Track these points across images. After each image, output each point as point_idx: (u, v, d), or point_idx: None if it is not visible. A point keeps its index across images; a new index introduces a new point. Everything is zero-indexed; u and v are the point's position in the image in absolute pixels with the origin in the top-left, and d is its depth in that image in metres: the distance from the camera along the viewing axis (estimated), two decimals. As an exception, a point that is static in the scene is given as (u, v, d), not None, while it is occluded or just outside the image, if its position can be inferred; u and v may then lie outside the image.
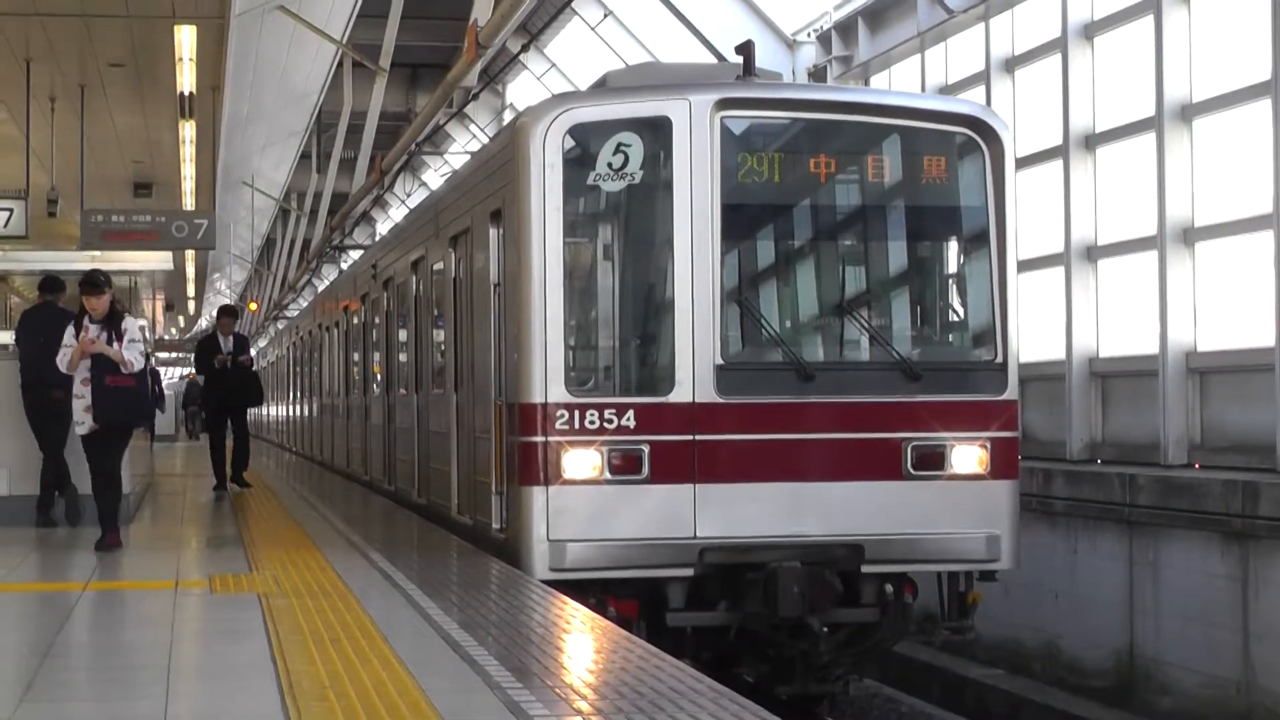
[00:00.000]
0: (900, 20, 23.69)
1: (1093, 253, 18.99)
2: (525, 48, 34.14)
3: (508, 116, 38.48)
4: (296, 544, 15.96)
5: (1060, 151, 19.28)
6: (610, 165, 13.64)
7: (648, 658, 9.55)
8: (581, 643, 10.38)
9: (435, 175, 46.13)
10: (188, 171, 31.47)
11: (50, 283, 19.06)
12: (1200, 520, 15.48)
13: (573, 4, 31.13)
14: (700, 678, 8.95)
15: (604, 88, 15.04)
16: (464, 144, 43.09)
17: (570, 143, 13.66)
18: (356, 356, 27.51)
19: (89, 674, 9.86)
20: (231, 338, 23.56)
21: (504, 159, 14.55)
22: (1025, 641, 18.33)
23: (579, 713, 7.95)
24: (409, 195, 49.70)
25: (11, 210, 26.42)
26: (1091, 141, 19.03)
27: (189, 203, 33.75)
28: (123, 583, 13.63)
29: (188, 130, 27.64)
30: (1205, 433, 17.02)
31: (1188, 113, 17.33)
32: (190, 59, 23.14)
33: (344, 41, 27.84)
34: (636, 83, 15.14)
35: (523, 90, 38.60)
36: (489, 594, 12.63)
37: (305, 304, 51.84)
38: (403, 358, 21.87)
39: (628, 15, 31.17)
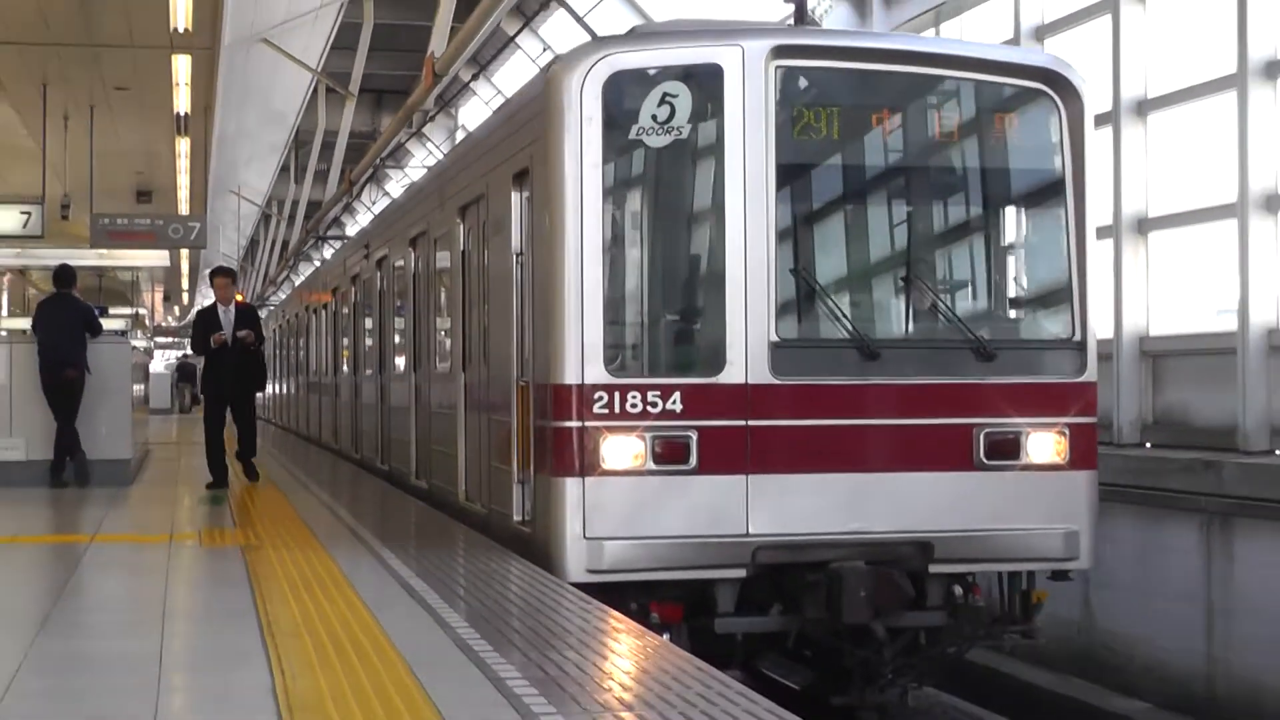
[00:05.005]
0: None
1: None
2: (475, 76, 34.09)
3: (459, 135, 38.35)
4: (282, 514, 15.87)
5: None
6: (654, 118, 10.66)
7: (588, 608, 9.41)
8: (547, 606, 10.08)
9: (397, 186, 45.99)
10: (183, 181, 31.39)
11: (64, 275, 18.93)
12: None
13: (516, 40, 31.08)
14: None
15: (644, 34, 11.67)
16: (421, 159, 43.00)
17: (610, 93, 10.63)
18: (346, 337, 24.58)
19: (95, 615, 9.80)
20: (233, 308, 17.60)
21: (532, 113, 11.39)
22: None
23: (516, 647, 7.92)
24: (374, 203, 49.54)
25: (30, 213, 26.32)
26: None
27: (184, 208, 33.67)
28: (124, 535, 13.52)
29: (183, 145, 27.60)
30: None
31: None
32: (185, 84, 23.09)
33: (319, 70, 27.77)
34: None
35: (473, 113, 38.49)
36: (455, 552, 12.43)
37: (285, 295, 51.54)
38: (398, 337, 18.66)
39: (565, 48, 31.08)
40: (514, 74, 34.37)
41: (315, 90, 31.30)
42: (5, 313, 56.94)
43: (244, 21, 21.66)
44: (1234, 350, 14.15)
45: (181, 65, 22.28)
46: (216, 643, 8.47)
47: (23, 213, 26.31)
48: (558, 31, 30.50)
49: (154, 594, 10.04)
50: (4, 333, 46.66)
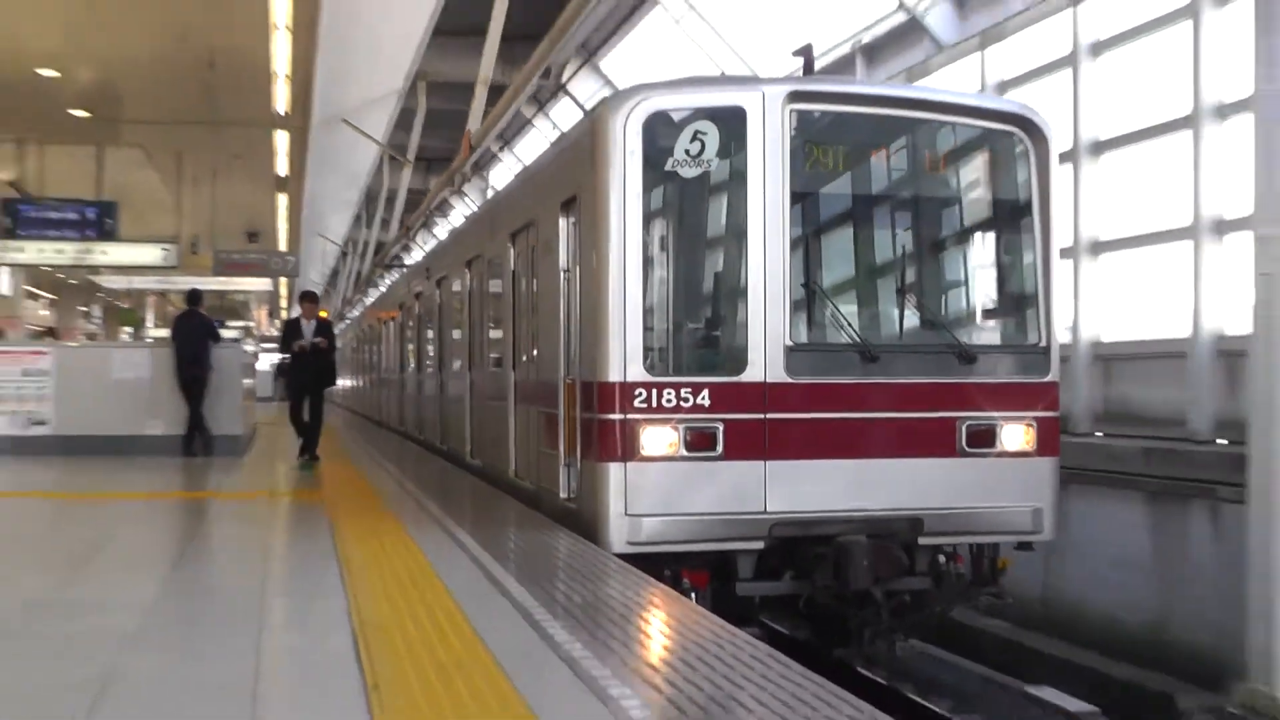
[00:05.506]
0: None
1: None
2: (502, 148, 33.97)
3: (490, 193, 38.22)
4: (357, 481, 15.75)
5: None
6: (687, 152, 9.80)
7: (595, 556, 9.28)
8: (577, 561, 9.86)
9: (443, 230, 45.94)
10: (281, 225, 31.43)
11: (193, 295, 19.14)
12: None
13: (532, 120, 30.95)
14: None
15: (678, 82, 10.54)
16: (461, 211, 42.94)
17: (650, 130, 9.77)
18: (411, 343, 23.18)
19: (214, 556, 9.70)
20: (315, 322, 17.07)
21: (581, 148, 10.47)
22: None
23: (553, 598, 7.79)
24: (425, 243, 49.56)
25: (168, 250, 26.39)
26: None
27: (282, 245, 33.67)
28: (237, 493, 13.43)
29: (282, 200, 27.66)
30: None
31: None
32: (284, 153, 23.11)
33: (385, 143, 27.68)
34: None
35: (500, 175, 38.37)
36: (503, 519, 12.25)
37: (360, 311, 51.36)
38: (456, 342, 17.24)
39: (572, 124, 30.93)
40: (532, 146, 34.30)
41: (381, 158, 31.22)
42: (151, 325, 56.88)
43: (328, 106, 21.65)
44: (1068, 357, 14.07)
45: (281, 139, 22.28)
46: (305, 576, 8.38)
47: (163, 250, 26.35)
48: (565, 115, 30.41)
49: (258, 538, 9.97)
50: (150, 340, 46.54)
